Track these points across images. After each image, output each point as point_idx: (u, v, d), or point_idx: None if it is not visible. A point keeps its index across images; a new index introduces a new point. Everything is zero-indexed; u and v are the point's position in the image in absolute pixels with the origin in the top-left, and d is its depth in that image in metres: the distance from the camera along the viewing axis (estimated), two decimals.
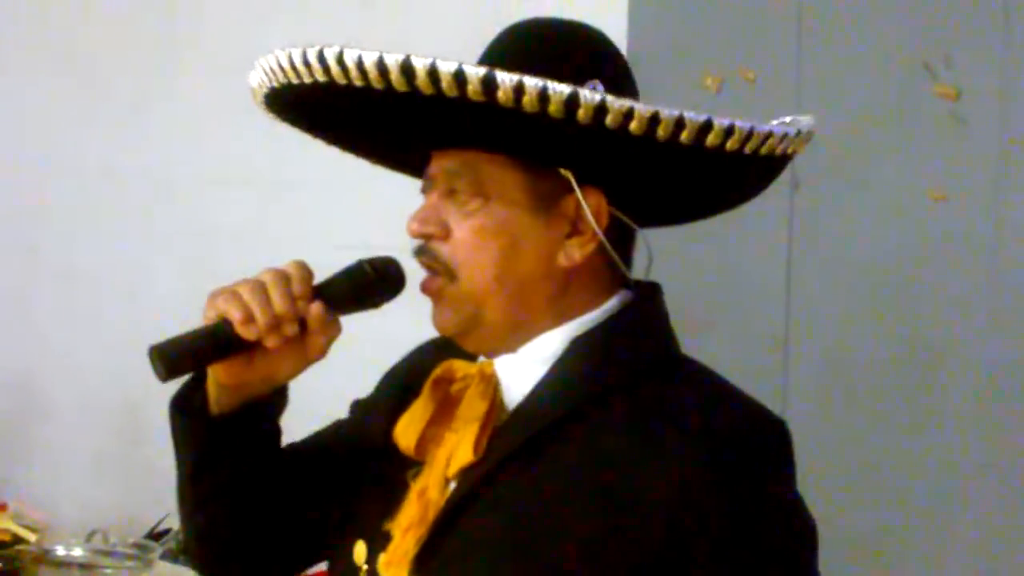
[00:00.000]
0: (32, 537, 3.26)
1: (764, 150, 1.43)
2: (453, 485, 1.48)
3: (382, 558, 1.50)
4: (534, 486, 1.43)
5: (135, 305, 3.68)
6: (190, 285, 3.60)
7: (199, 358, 1.48)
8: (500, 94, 1.34)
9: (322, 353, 1.51)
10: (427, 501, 1.48)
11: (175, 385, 1.55)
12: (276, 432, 1.59)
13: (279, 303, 1.46)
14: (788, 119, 1.53)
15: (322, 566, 1.64)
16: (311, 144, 1.65)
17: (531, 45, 1.52)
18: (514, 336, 1.50)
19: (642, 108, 1.37)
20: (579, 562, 1.38)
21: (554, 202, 1.48)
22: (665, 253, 1.57)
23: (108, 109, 3.74)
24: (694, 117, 1.38)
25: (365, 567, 1.52)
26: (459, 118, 1.39)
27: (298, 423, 1.65)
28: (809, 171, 2.76)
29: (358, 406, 1.72)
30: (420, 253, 1.50)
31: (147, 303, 3.66)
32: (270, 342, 1.47)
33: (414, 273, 1.53)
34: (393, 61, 1.36)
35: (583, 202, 1.47)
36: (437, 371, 1.54)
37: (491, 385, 1.50)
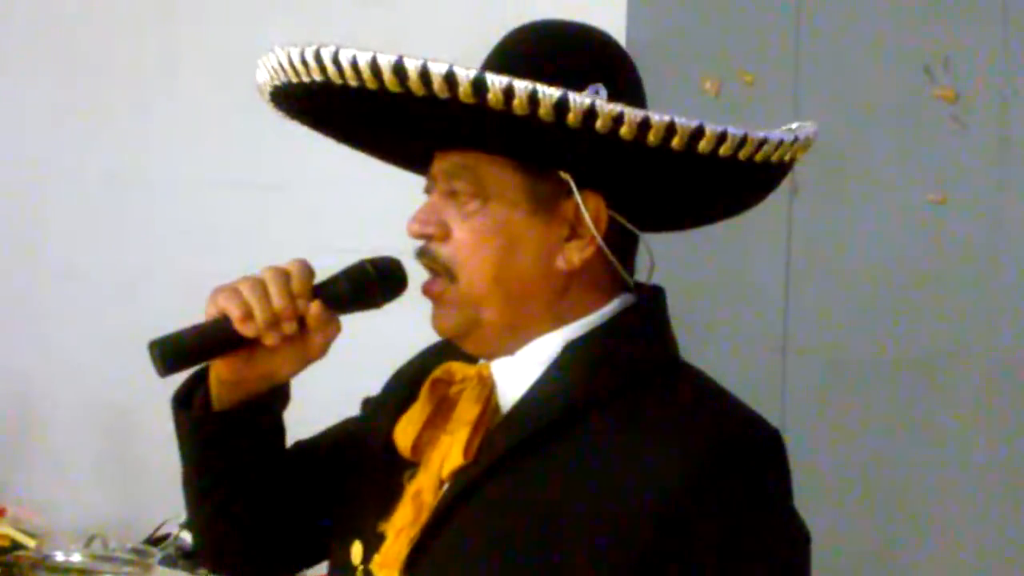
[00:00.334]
0: (31, 543, 3.25)
1: (759, 157, 1.42)
2: (446, 487, 1.48)
3: (376, 559, 1.50)
4: (524, 489, 1.43)
5: (135, 308, 3.67)
6: (190, 288, 3.59)
7: (198, 354, 1.49)
8: (490, 96, 1.34)
9: (322, 352, 1.51)
10: (421, 503, 1.48)
11: (173, 388, 1.55)
12: (278, 429, 1.59)
13: (278, 301, 1.46)
14: (793, 126, 1.52)
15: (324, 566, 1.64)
16: (311, 146, 1.65)
17: (537, 48, 1.51)
18: (512, 338, 1.50)
19: (633, 113, 1.36)
20: (568, 565, 1.38)
21: (554, 205, 1.47)
22: (664, 258, 1.57)
23: (108, 111, 3.73)
24: (685, 123, 1.37)
25: (361, 567, 1.52)
26: (458, 119, 1.39)
27: (299, 422, 1.65)
28: (808, 174, 2.76)
29: (368, 404, 1.72)
30: (421, 254, 1.50)
31: (147, 306, 3.64)
32: (269, 339, 1.47)
33: (417, 274, 1.53)
34: (386, 62, 1.36)
35: (582, 205, 1.46)
36: (436, 372, 1.54)
37: (486, 388, 1.50)
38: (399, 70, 1.35)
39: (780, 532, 1.43)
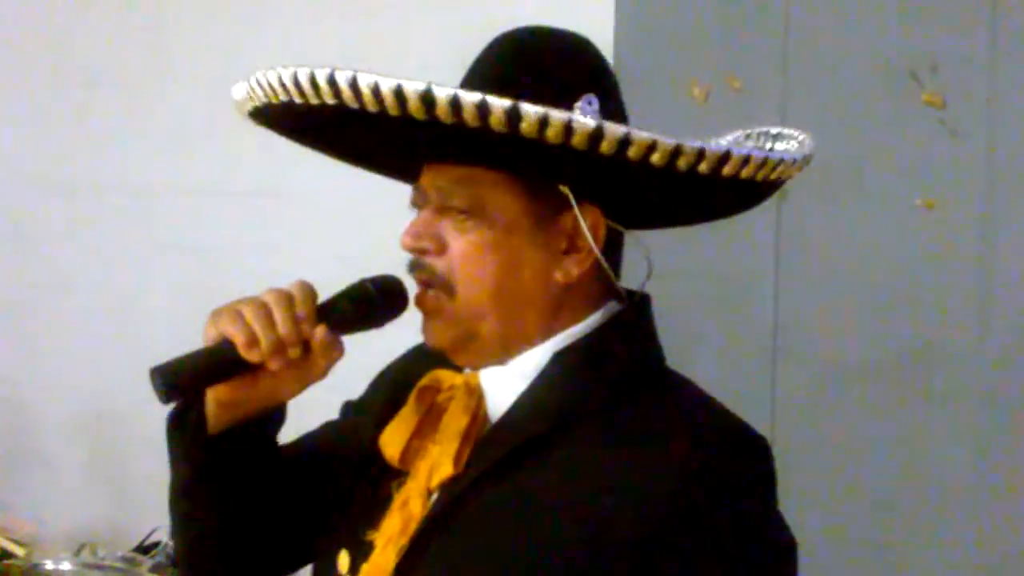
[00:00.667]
0: (21, 551, 3.25)
1: (744, 174, 1.41)
2: (435, 497, 1.48)
3: (364, 568, 1.49)
4: (513, 500, 1.42)
5: (126, 318, 3.68)
6: (182, 299, 3.62)
7: (200, 380, 1.46)
8: (493, 119, 1.32)
9: (323, 374, 1.49)
10: (409, 513, 1.48)
11: (170, 410, 1.54)
12: (272, 449, 1.58)
13: (283, 326, 1.44)
14: (796, 134, 1.52)
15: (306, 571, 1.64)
16: (304, 153, 1.64)
17: (525, 59, 1.50)
18: (505, 350, 1.49)
19: (638, 134, 1.35)
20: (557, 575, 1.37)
21: (552, 218, 1.47)
22: (653, 262, 1.56)
23: (98, 120, 3.73)
24: (666, 141, 1.36)
25: None
26: (457, 136, 1.37)
27: (289, 428, 1.65)
28: (796, 179, 2.76)
29: (349, 407, 1.71)
30: (415, 268, 1.49)
31: (138, 316, 3.65)
32: (273, 365, 1.45)
33: (409, 286, 1.52)
34: (366, 83, 1.34)
35: (581, 219, 1.46)
36: (423, 381, 1.53)
37: (475, 398, 1.49)
38: (375, 90, 1.34)
39: (766, 543, 1.43)
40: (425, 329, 1.50)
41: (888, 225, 2.83)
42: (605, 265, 1.49)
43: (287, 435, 1.67)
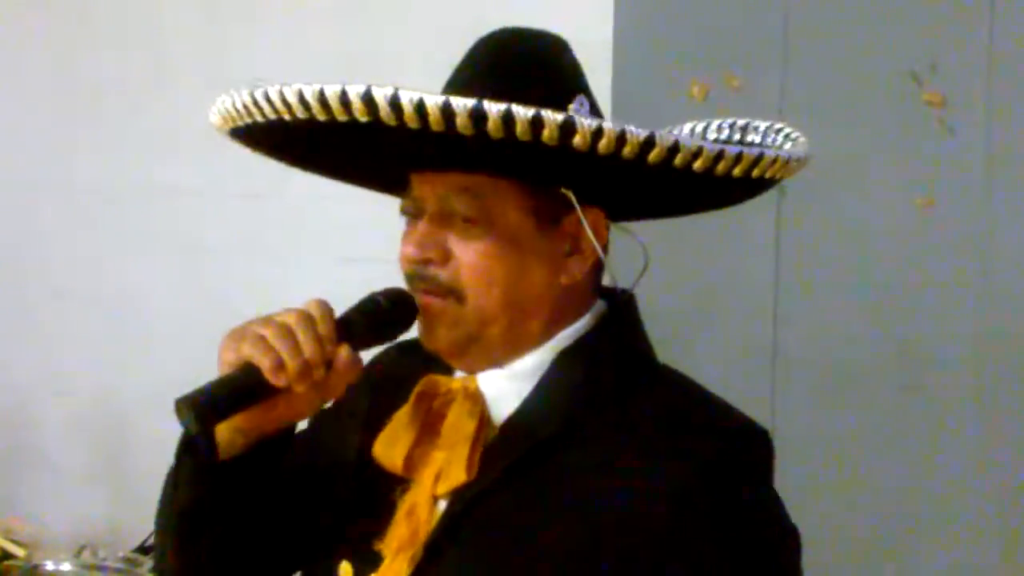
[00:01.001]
0: (21, 552, 3.24)
1: (733, 171, 1.41)
2: (442, 504, 1.47)
3: None
4: (528, 503, 1.42)
5: (125, 321, 3.67)
6: (184, 301, 3.62)
7: (228, 410, 1.41)
8: (490, 125, 1.31)
9: (341, 392, 1.47)
10: (417, 521, 1.46)
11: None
12: (278, 470, 1.54)
13: (308, 348, 1.41)
14: (788, 131, 1.52)
15: None
16: None
17: (513, 64, 1.49)
18: (506, 354, 1.49)
19: (637, 132, 1.34)
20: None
21: (556, 221, 1.47)
22: (652, 265, 1.56)
23: (100, 125, 3.73)
24: (636, 132, 1.34)
25: None
26: (461, 144, 1.35)
27: None
28: (795, 178, 2.76)
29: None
30: (418, 279, 1.47)
31: (138, 319, 3.65)
32: (299, 388, 1.42)
33: (392, 283, 1.50)
34: (354, 93, 1.32)
35: (584, 221, 1.46)
36: (419, 387, 1.52)
37: (477, 403, 1.48)
38: (367, 100, 1.31)
39: (776, 530, 1.44)
40: (426, 332, 1.49)
41: (887, 224, 2.83)
42: (608, 264, 1.49)
43: None
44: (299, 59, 3.35)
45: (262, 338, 1.40)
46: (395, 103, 1.31)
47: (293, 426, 1.52)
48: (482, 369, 1.50)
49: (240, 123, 1.46)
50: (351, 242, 3.01)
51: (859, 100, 2.84)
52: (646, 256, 1.54)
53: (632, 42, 2.89)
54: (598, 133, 1.32)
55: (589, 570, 1.37)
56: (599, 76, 2.88)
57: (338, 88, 1.33)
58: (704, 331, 2.87)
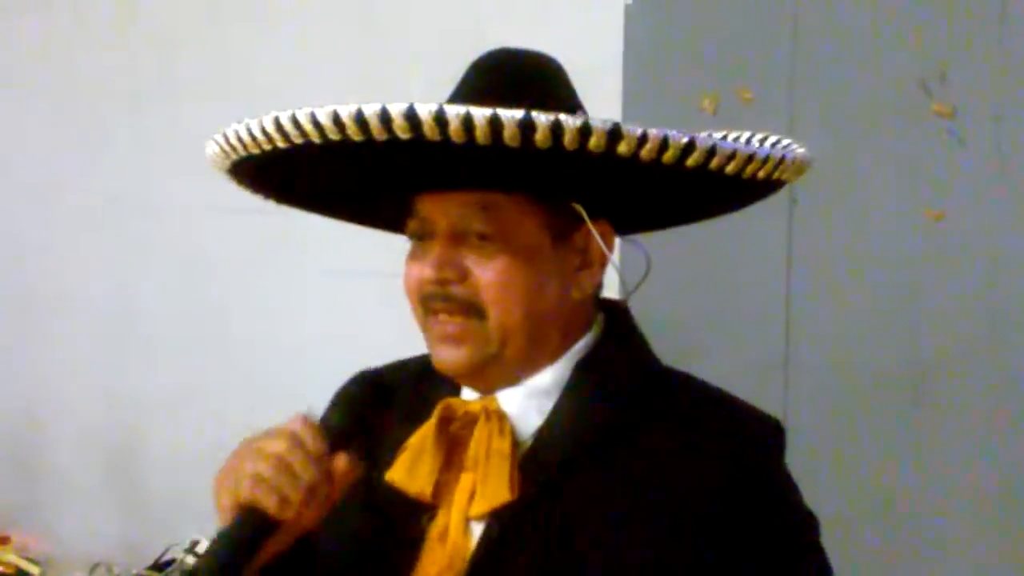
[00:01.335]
0: (35, 570, 3.26)
1: (747, 172, 1.42)
2: (475, 525, 1.46)
3: None
4: (569, 516, 1.42)
5: (137, 335, 3.69)
6: (188, 315, 3.63)
7: (245, 560, 1.37)
8: (506, 134, 1.31)
9: (345, 490, 1.43)
10: (452, 545, 1.45)
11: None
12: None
13: (308, 474, 1.37)
14: (784, 142, 1.53)
15: None
16: None
17: (521, 82, 1.49)
18: (523, 370, 1.48)
19: (654, 133, 1.34)
20: None
21: (567, 237, 1.47)
22: (664, 273, 1.57)
23: (107, 138, 3.75)
24: (677, 137, 1.35)
25: None
26: (482, 160, 1.35)
27: None
28: (806, 189, 2.77)
29: None
30: (439, 299, 1.45)
31: (149, 332, 3.66)
32: (306, 511, 1.38)
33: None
34: (397, 111, 1.31)
35: (596, 234, 1.47)
36: (438, 411, 1.50)
37: (504, 422, 1.47)
38: (409, 116, 1.31)
39: (806, 510, 1.47)
40: (445, 353, 1.47)
41: (898, 235, 2.83)
42: (622, 277, 1.50)
43: None
44: (302, 65, 3.37)
45: (258, 476, 1.36)
46: (440, 118, 1.30)
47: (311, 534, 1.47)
48: (498, 388, 1.49)
49: (254, 151, 1.44)
50: (350, 256, 3.02)
51: (869, 111, 2.85)
52: (648, 263, 1.54)
53: (643, 55, 2.90)
54: (643, 139, 1.33)
55: (640, 571, 1.38)
56: (610, 88, 2.90)
57: (378, 107, 1.32)
58: (717, 339, 2.87)
